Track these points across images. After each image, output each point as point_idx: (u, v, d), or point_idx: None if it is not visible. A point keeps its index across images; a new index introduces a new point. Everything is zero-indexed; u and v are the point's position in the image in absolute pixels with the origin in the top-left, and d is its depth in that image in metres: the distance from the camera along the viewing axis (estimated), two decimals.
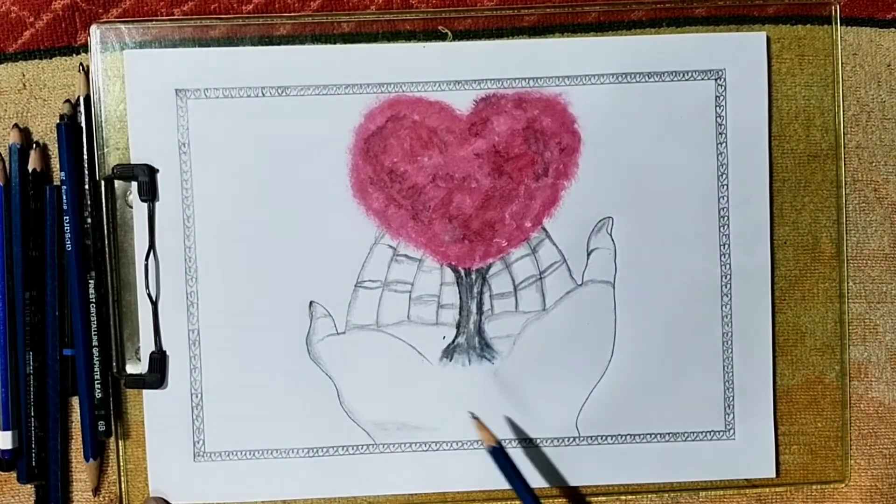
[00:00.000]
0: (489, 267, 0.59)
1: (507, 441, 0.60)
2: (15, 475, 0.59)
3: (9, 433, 0.57)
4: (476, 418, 0.59)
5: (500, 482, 0.60)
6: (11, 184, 0.57)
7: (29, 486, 0.59)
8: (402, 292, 0.59)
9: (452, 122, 0.59)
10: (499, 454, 0.57)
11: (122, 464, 0.59)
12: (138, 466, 0.59)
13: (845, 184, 0.60)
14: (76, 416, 0.59)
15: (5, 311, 0.57)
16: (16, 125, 0.58)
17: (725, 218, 0.59)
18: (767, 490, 0.61)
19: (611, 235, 0.59)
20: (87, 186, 0.57)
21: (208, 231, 0.58)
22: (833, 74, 0.60)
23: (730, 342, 0.60)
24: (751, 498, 0.61)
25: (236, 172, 0.58)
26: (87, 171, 0.58)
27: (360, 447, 0.60)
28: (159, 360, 0.58)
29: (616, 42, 0.59)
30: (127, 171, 0.58)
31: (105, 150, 0.58)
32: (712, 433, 0.60)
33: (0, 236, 0.57)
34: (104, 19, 0.58)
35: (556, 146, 0.59)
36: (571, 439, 0.60)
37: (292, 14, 0.59)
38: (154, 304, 0.58)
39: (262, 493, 0.60)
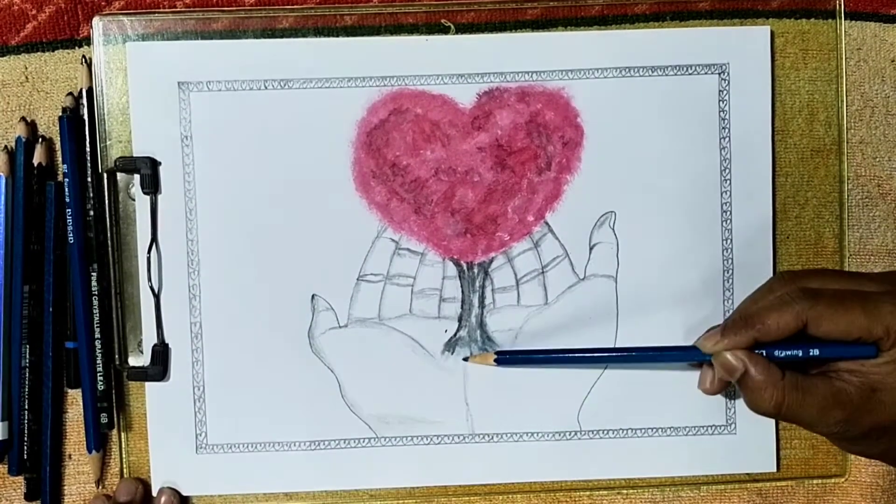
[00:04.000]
0: (491, 261, 0.59)
1: (509, 435, 0.60)
2: (6, 468, 0.59)
3: (0, 424, 0.58)
4: (467, 359, 0.59)
5: (499, 476, 0.60)
6: (16, 176, 0.57)
7: (20, 478, 0.59)
8: (405, 286, 0.59)
9: (455, 116, 0.59)
10: (507, 357, 0.58)
11: (124, 456, 0.59)
12: (141, 459, 0.59)
13: (848, 179, 0.60)
14: (73, 411, 0.59)
15: (2, 304, 0.57)
16: (23, 118, 0.58)
17: (728, 213, 0.59)
18: (768, 485, 0.61)
19: (613, 230, 0.59)
20: (89, 179, 0.58)
21: (210, 224, 0.58)
22: (837, 69, 0.60)
23: None
24: (752, 492, 0.62)
25: (238, 165, 0.58)
26: (89, 164, 0.58)
27: (361, 440, 0.60)
28: (161, 353, 0.58)
29: (619, 36, 0.59)
30: (129, 164, 0.58)
31: (107, 142, 0.58)
32: (714, 428, 0.60)
33: (2, 229, 0.57)
34: (106, 12, 0.58)
35: (558, 140, 0.59)
36: (573, 433, 0.60)
37: (295, 7, 0.58)
38: (156, 297, 0.58)
39: (264, 485, 0.60)
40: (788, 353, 0.53)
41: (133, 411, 0.59)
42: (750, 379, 0.53)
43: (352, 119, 0.58)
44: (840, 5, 0.59)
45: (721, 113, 0.59)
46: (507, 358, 0.58)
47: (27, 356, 0.58)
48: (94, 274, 0.58)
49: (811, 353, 0.52)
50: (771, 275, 0.60)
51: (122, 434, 0.59)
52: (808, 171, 0.60)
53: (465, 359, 0.59)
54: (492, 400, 0.60)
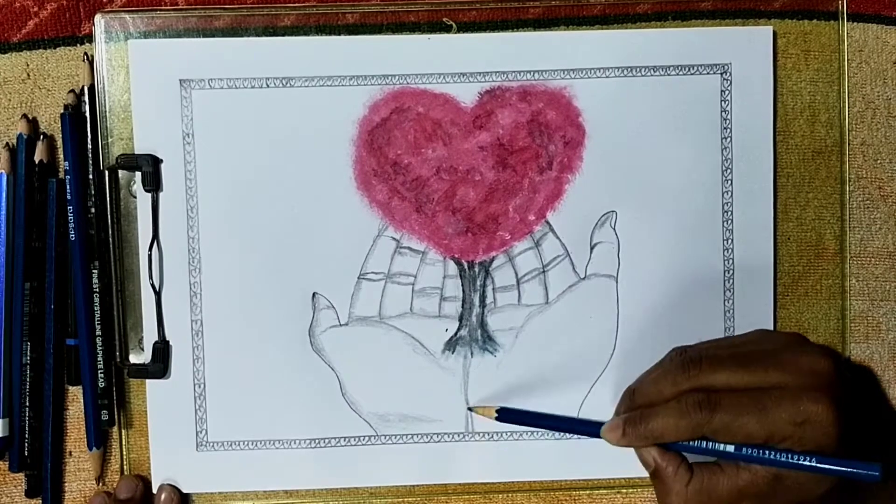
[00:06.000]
0: (492, 260, 0.60)
1: (509, 434, 0.60)
2: (7, 465, 0.59)
3: (0, 421, 0.57)
4: (471, 409, 0.59)
5: (499, 475, 0.60)
6: (18, 174, 0.57)
7: (20, 474, 0.59)
8: (405, 284, 0.59)
9: (457, 115, 0.59)
10: (507, 414, 0.58)
11: (125, 453, 0.60)
12: (141, 456, 0.59)
13: (849, 181, 0.60)
14: (74, 408, 0.59)
15: (4, 301, 0.57)
16: (24, 115, 0.58)
17: (729, 213, 0.59)
18: None
19: (614, 229, 0.59)
20: (91, 176, 0.57)
21: (212, 221, 0.58)
22: (838, 71, 0.60)
23: None
24: None
25: (240, 163, 0.58)
26: (91, 161, 0.58)
27: (362, 438, 0.60)
28: (162, 350, 0.58)
29: (621, 35, 0.59)
30: (131, 162, 0.58)
31: (109, 140, 0.58)
32: None
33: (3, 226, 0.57)
34: (108, 9, 0.58)
35: (560, 139, 0.59)
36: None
37: (296, 5, 0.58)
38: (157, 295, 0.58)
39: (265, 483, 0.60)
40: (780, 457, 0.50)
41: (134, 408, 0.60)
42: (659, 478, 0.53)
43: (353, 117, 0.58)
44: (842, 6, 0.59)
45: (723, 113, 0.59)
46: (508, 416, 0.58)
47: (28, 353, 0.58)
48: (95, 271, 0.58)
49: (807, 462, 0.50)
50: (772, 275, 0.60)
51: (123, 431, 0.59)
52: (810, 172, 0.60)
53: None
54: (492, 399, 0.60)
